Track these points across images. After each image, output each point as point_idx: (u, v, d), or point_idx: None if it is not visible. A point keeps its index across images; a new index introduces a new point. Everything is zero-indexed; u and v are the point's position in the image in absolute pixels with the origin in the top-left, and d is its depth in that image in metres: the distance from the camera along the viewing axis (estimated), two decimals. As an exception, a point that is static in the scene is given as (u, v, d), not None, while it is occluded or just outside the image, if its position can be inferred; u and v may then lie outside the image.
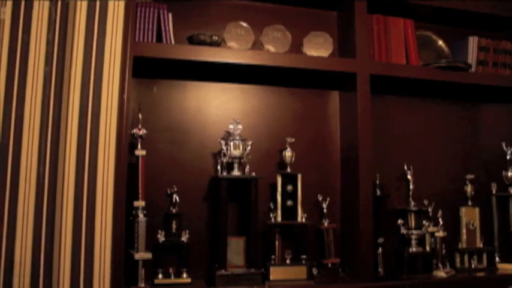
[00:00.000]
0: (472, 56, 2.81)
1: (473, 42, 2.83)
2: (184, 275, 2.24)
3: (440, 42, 2.92)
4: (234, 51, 2.34)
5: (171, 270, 2.24)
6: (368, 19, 2.58)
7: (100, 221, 2.03)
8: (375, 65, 2.54)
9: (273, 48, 2.45)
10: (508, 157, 2.84)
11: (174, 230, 2.29)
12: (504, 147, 2.86)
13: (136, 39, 2.22)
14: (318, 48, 2.51)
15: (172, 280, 2.23)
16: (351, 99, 2.54)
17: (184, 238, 2.27)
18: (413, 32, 2.72)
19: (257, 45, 2.45)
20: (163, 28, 2.30)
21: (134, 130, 2.22)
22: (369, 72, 2.48)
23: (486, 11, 2.83)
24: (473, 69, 2.78)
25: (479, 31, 2.96)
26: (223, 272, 2.23)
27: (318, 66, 2.42)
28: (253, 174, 2.35)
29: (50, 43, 2.05)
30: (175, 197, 2.32)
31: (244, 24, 2.43)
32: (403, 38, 2.69)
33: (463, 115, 3.00)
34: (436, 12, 2.80)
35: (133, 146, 2.22)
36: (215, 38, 2.34)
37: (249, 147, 2.39)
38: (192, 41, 2.33)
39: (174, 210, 2.31)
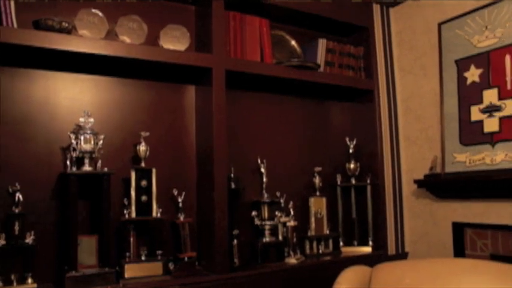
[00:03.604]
0: (320, 57, 3.03)
1: (322, 44, 3.05)
2: (29, 280, 2.09)
3: (293, 43, 3.09)
4: (85, 40, 2.22)
5: (13, 277, 2.08)
6: (225, 15, 2.64)
7: None
8: (231, 60, 2.61)
9: (129, 39, 2.37)
10: (350, 151, 3.14)
11: (17, 232, 2.12)
12: (347, 142, 3.14)
13: (-31, 19, 2.00)
14: (175, 42, 2.50)
15: (15, 287, 2.06)
16: (206, 94, 2.57)
17: (29, 240, 2.12)
18: (268, 31, 2.85)
19: (111, 36, 2.36)
20: (2, 10, 2.09)
21: (-32, 122, 2.00)
22: (224, 68, 2.54)
23: (335, 16, 3.07)
24: (321, 69, 3.00)
25: (328, 34, 3.21)
26: (73, 273, 2.12)
27: (174, 60, 2.41)
28: (106, 169, 2.27)
29: None
30: (18, 196, 2.14)
31: (99, 13, 2.31)
32: (258, 36, 2.80)
33: (313, 111, 3.22)
34: (290, 14, 2.96)
35: (-33, 140, 2.00)
36: (65, 24, 2.19)
37: (101, 141, 2.30)
38: (39, 26, 2.16)
39: (16, 210, 2.13)
